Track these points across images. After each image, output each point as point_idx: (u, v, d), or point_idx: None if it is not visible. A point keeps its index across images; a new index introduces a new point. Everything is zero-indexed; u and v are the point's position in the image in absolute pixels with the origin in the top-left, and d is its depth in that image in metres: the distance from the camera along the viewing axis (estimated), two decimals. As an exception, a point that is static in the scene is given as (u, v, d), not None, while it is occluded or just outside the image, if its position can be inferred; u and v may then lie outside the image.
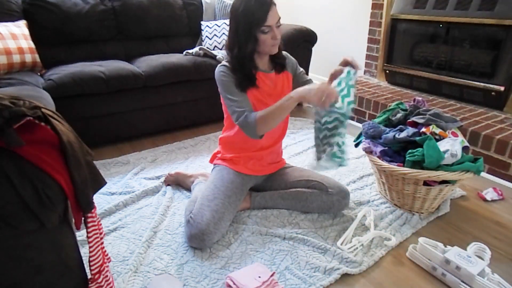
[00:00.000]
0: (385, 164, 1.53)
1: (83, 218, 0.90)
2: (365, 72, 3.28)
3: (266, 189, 1.64)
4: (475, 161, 1.48)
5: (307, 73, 2.94)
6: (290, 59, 1.57)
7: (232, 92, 1.39)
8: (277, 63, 1.50)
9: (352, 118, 2.81)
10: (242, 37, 1.35)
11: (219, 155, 1.62)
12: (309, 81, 1.58)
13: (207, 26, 2.84)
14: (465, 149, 1.54)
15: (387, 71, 2.99)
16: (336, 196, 1.54)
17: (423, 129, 1.53)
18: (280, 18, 1.36)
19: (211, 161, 1.67)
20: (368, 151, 1.64)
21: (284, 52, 1.55)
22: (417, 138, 1.50)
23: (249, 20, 1.32)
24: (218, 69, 1.42)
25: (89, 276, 0.95)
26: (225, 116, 1.55)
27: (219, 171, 1.54)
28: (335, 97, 1.22)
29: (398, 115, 1.68)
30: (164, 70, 2.28)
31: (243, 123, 1.34)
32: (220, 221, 1.37)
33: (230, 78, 1.39)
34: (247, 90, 1.41)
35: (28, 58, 2.08)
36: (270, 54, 1.43)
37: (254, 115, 1.33)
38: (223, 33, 2.80)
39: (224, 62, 1.43)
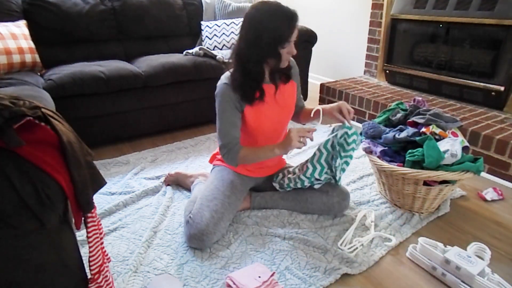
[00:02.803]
0: (385, 164, 1.53)
1: (83, 218, 0.90)
2: (365, 72, 3.28)
3: (267, 189, 1.64)
4: (475, 161, 1.48)
5: (306, 74, 2.96)
6: (296, 68, 1.52)
7: (227, 119, 1.35)
8: (283, 74, 1.44)
9: (352, 118, 2.80)
10: (264, 52, 1.26)
11: (218, 156, 1.61)
12: (300, 100, 1.59)
13: (207, 26, 2.84)
14: (465, 149, 1.54)
15: (387, 71, 2.99)
16: (336, 198, 1.53)
17: (423, 129, 1.53)
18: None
19: (211, 161, 1.67)
20: (368, 151, 1.64)
21: (291, 60, 1.47)
22: (417, 138, 1.50)
23: (275, 36, 1.23)
24: (221, 89, 1.34)
25: (89, 276, 0.95)
26: None
27: (219, 171, 1.54)
28: (307, 131, 1.28)
29: (398, 115, 1.68)
30: (164, 70, 2.28)
31: (226, 157, 1.40)
32: (220, 221, 1.36)
33: (231, 103, 1.33)
34: (251, 104, 1.36)
35: (28, 58, 2.08)
36: (281, 67, 1.37)
37: (236, 154, 1.36)
38: (223, 33, 2.79)
39: (226, 80, 1.35)
